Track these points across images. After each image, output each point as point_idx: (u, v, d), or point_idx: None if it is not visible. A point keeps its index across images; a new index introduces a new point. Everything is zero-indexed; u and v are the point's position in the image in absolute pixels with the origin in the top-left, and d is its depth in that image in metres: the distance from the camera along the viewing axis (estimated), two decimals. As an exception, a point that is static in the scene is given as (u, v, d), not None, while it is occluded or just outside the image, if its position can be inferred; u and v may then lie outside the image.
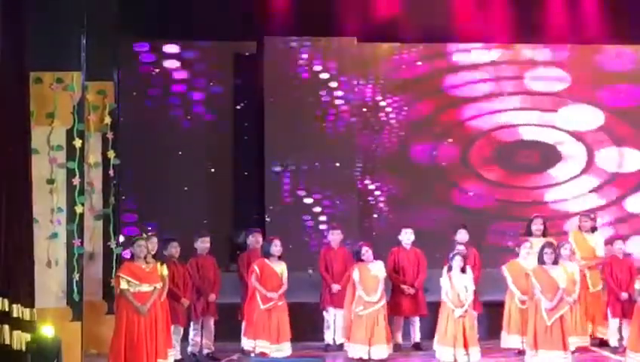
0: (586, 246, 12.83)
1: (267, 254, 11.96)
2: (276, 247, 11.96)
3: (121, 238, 12.94)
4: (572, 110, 16.14)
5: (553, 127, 16.15)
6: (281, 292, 11.83)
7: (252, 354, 11.79)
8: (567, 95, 16.12)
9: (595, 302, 12.65)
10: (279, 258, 11.97)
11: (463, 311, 11.25)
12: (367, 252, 12.03)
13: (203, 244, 12.29)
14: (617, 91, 16.12)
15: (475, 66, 16.06)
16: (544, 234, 12.62)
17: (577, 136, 16.16)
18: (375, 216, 15.86)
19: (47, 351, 9.95)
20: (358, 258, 12.08)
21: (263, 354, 11.71)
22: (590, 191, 16.06)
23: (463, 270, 11.32)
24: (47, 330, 10.13)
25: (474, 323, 11.61)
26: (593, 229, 13.04)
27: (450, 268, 11.34)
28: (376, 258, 12.11)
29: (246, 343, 11.97)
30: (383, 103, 15.95)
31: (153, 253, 10.99)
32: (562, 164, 16.13)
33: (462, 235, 12.64)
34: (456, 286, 11.31)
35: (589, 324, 12.47)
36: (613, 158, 16.11)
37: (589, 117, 16.15)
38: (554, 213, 15.60)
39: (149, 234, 11.08)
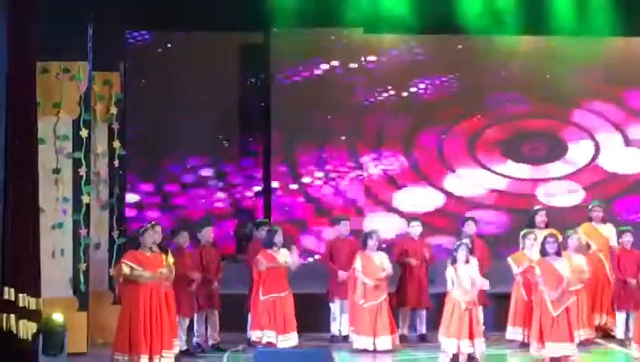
0: (599, 236, 12.85)
1: (270, 244, 11.94)
2: (279, 237, 11.95)
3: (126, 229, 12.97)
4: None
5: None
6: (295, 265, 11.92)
7: (259, 346, 11.79)
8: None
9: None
10: (281, 248, 11.96)
11: (470, 301, 11.20)
12: (376, 239, 12.04)
13: (206, 234, 12.30)
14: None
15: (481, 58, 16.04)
16: (547, 226, 12.61)
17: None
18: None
19: (53, 337, 9.97)
20: (364, 244, 12.10)
21: (270, 344, 11.72)
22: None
23: (467, 261, 11.28)
24: (56, 317, 10.16)
25: (480, 315, 11.61)
26: (604, 220, 13.03)
27: (454, 260, 11.30)
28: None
29: (253, 334, 11.99)
30: (390, 93, 15.93)
31: (158, 241, 10.97)
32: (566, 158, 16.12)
33: (470, 227, 12.64)
34: (462, 277, 11.26)
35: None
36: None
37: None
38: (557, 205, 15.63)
39: (153, 223, 11.04)
